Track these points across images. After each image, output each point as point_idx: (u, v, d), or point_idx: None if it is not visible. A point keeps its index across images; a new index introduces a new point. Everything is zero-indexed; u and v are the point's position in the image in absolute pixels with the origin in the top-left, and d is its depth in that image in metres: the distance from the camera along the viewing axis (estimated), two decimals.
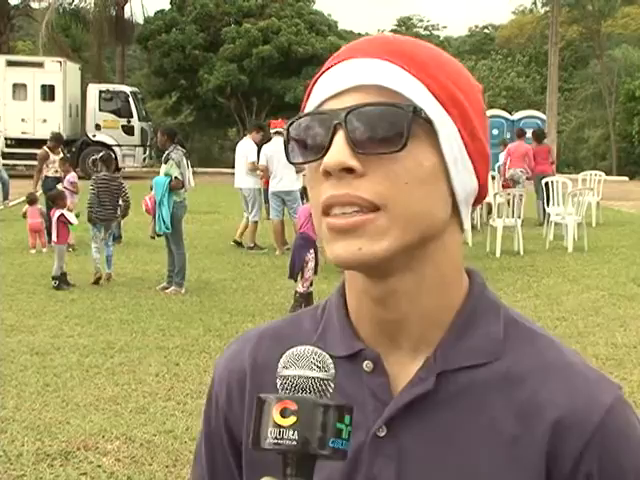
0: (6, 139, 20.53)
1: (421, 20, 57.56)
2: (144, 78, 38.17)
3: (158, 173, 9.11)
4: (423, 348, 0.84)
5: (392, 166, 0.77)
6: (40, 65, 24.97)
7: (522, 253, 11.33)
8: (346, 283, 0.88)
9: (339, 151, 0.76)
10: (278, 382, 0.72)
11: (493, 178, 14.19)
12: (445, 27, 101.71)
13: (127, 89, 26.18)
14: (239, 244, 11.86)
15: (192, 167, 9.45)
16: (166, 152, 8.82)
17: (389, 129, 0.76)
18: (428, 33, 57.55)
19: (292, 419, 0.69)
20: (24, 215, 11.52)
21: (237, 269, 10.21)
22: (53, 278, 8.84)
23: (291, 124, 0.82)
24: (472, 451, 0.82)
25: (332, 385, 0.72)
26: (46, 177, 12.15)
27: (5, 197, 16.21)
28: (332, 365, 0.73)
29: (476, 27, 57.72)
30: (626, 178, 28.55)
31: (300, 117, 0.81)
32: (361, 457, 0.83)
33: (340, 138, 0.77)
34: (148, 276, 9.62)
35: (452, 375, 0.83)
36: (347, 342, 0.86)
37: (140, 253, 11.18)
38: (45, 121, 23.93)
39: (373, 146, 0.76)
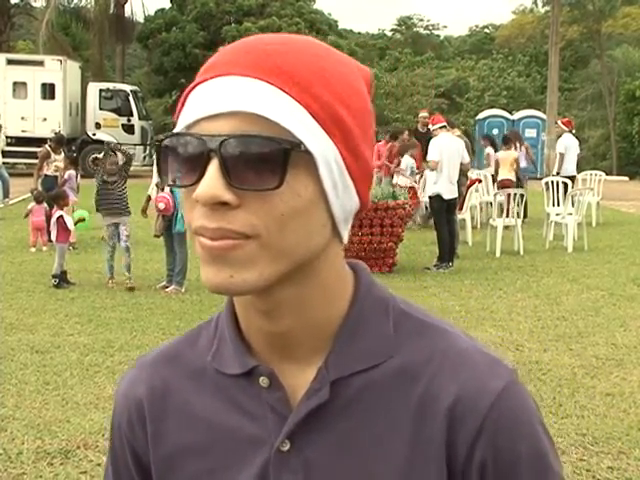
0: (6, 137, 20.49)
1: (421, 19, 57.55)
2: (144, 77, 38.21)
3: None
4: (316, 358, 0.83)
5: (268, 198, 0.73)
6: (40, 64, 24.96)
7: (522, 253, 11.34)
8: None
9: (212, 184, 0.72)
10: None
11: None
12: (445, 27, 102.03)
13: (127, 88, 26.20)
14: None
15: None
16: None
17: (265, 164, 0.72)
18: (428, 33, 57.61)
19: None
20: (27, 213, 11.42)
21: None
22: (53, 276, 8.84)
23: (162, 141, 0.76)
24: (375, 456, 0.81)
25: None
26: (45, 175, 12.16)
27: (5, 195, 16.20)
28: None
29: (476, 27, 57.93)
30: (626, 178, 28.55)
31: (172, 135, 0.76)
32: (267, 474, 0.82)
33: (214, 168, 0.72)
34: (148, 275, 9.63)
35: (347, 381, 0.82)
36: (240, 359, 0.84)
37: (140, 252, 11.16)
38: (45, 120, 23.96)
39: (248, 180, 0.72)
